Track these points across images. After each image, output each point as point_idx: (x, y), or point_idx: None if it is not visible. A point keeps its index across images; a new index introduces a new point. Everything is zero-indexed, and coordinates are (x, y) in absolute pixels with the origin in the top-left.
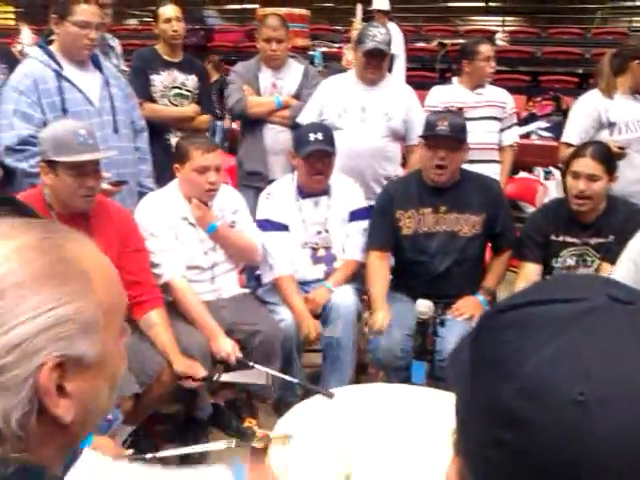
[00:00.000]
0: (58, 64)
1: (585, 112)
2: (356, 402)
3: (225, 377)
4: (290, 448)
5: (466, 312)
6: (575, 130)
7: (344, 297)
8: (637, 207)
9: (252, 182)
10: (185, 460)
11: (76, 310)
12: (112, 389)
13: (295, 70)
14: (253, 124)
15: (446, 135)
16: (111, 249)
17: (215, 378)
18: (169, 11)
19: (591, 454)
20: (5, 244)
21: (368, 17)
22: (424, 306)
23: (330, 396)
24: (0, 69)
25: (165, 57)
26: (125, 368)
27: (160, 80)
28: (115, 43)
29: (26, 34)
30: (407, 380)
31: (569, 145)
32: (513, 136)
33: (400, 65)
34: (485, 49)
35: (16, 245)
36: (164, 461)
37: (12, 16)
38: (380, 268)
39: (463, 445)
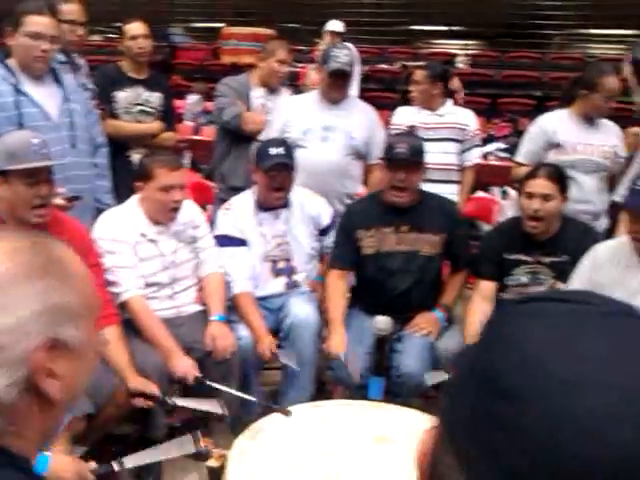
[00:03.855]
0: (16, 78)
1: (533, 133)
2: (314, 419)
3: (180, 402)
4: (246, 466)
5: (424, 328)
6: (524, 150)
7: (305, 314)
8: (590, 227)
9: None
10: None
11: (63, 300)
12: (88, 377)
13: (284, 93)
14: (241, 140)
15: (405, 158)
16: None
17: (169, 401)
18: (136, 28)
19: (569, 426)
20: (1, 246)
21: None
22: (382, 322)
23: (287, 413)
24: None
25: (130, 74)
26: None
27: (123, 97)
28: (82, 62)
29: None
30: (366, 397)
31: (519, 164)
32: (474, 157)
33: (355, 85)
34: (419, 73)
35: (12, 247)
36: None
37: None
38: (339, 287)
39: (447, 414)
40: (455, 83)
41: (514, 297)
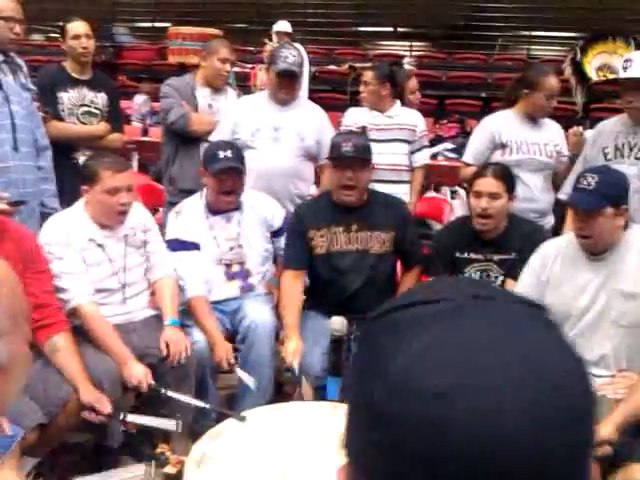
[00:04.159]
0: None
1: (480, 134)
2: (273, 423)
3: (132, 418)
4: (204, 472)
5: None
6: (471, 150)
7: (261, 316)
8: (538, 225)
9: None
10: None
11: None
12: (18, 389)
13: (230, 94)
14: (189, 141)
15: (351, 156)
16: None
17: (122, 417)
18: (78, 27)
19: (452, 443)
20: None
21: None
22: (338, 323)
23: (242, 419)
24: None
25: (73, 74)
26: (29, 396)
27: (67, 98)
28: (22, 62)
29: None
30: (324, 398)
31: (466, 164)
32: (423, 158)
33: (304, 86)
34: (368, 74)
35: None
36: None
37: None
38: (294, 288)
39: (348, 450)
40: (412, 84)
41: (377, 311)
